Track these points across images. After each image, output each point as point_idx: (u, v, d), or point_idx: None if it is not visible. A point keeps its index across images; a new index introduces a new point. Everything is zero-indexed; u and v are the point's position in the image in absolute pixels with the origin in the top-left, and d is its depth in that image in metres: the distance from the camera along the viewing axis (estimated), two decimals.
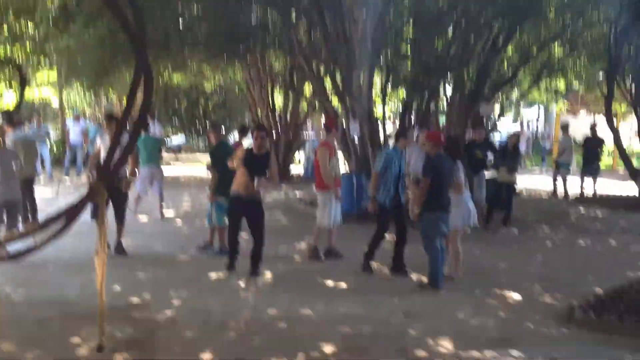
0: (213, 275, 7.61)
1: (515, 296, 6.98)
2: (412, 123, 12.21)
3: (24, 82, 14.62)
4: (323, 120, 17.12)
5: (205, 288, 7.14)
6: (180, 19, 12.13)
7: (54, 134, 21.76)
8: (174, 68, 17.85)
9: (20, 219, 9.22)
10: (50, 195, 14.07)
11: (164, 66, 16.79)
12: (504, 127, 27.18)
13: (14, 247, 4.51)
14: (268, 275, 7.71)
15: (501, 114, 16.12)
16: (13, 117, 11.28)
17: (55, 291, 6.86)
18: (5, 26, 10.55)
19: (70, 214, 2.55)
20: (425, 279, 7.22)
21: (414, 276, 7.62)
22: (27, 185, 10.26)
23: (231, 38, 12.09)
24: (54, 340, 5.44)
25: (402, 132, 8.26)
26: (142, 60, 2.29)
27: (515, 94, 17.18)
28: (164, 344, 5.43)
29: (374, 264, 7.99)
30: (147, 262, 8.22)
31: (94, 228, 8.62)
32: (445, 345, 5.40)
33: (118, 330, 5.64)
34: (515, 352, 5.22)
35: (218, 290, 7.03)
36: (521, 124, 28.43)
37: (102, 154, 8.77)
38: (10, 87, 17.01)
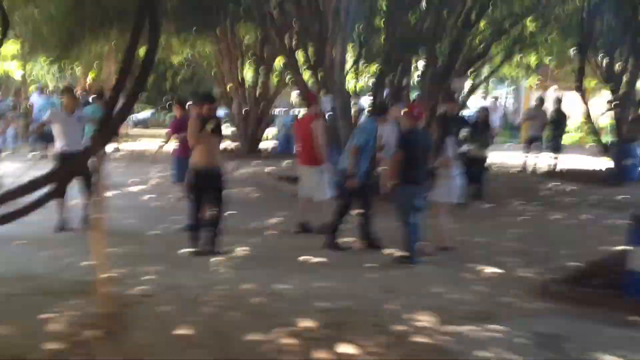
0: (183, 251, 7.44)
1: (491, 270, 6.97)
2: (386, 98, 12.10)
3: None
4: (296, 94, 16.93)
5: (176, 263, 6.99)
6: None
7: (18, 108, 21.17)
8: (140, 41, 17.40)
9: None
10: (15, 169, 13.71)
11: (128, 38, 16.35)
12: (475, 103, 27.27)
13: None
14: (241, 250, 7.58)
15: (472, 90, 16.06)
16: None
17: (21, 267, 6.69)
18: None
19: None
20: (400, 254, 7.16)
21: (390, 251, 7.56)
22: None
23: (200, 9, 11.80)
24: (21, 316, 5.27)
25: (384, 108, 8.12)
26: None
27: (487, 70, 17.16)
28: (138, 319, 5.28)
29: (348, 239, 7.91)
30: (117, 237, 8.01)
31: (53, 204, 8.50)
32: (424, 319, 5.35)
33: (91, 305, 5.47)
34: (494, 326, 5.18)
35: (190, 266, 6.90)
36: (495, 99, 28.53)
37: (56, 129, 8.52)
38: None
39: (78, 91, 23.67)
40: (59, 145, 8.53)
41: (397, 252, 7.27)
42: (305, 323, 5.25)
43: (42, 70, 29.31)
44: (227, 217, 9.31)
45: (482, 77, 17.51)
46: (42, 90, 19.21)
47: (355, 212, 7.87)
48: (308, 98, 9.48)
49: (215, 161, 7.33)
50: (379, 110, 8.16)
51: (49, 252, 7.30)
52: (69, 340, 4.80)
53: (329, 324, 5.25)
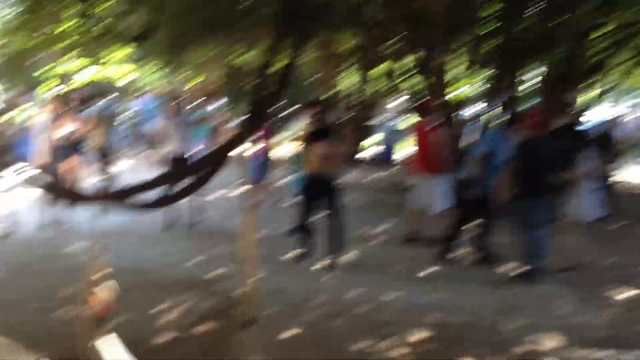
0: (290, 254, 7.31)
1: (627, 294, 6.34)
2: (503, 107, 11.57)
3: None
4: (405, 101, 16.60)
5: (282, 267, 6.90)
6: None
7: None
8: (240, 48, 17.62)
9: None
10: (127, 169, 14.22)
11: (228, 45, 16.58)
12: (598, 115, 25.95)
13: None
14: (349, 257, 7.37)
15: (594, 101, 15.17)
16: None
17: (136, 261, 6.85)
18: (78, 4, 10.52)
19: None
20: (521, 270, 6.68)
21: (509, 266, 7.10)
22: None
23: (302, 15, 11.71)
24: (140, 307, 5.35)
25: (516, 118, 7.65)
26: None
27: (611, 79, 16.16)
28: (242, 319, 5.18)
29: (462, 252, 7.53)
30: (223, 237, 8.03)
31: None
32: (550, 341, 4.92)
33: (199, 302, 5.55)
34: (628, 355, 4.70)
35: (295, 270, 6.79)
36: (619, 112, 27.01)
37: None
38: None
39: (186, 95, 24.44)
40: (167, 148, 8.70)
41: (515, 269, 6.80)
42: (417, 336, 4.98)
43: (153, 74, 30.52)
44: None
45: (605, 87, 16.50)
46: (149, 94, 19.85)
47: (472, 224, 7.49)
48: (427, 105, 9.07)
49: (327, 167, 7.15)
50: (510, 120, 7.62)
51: (161, 248, 7.48)
52: (184, 331, 4.93)
53: (443, 338, 4.96)
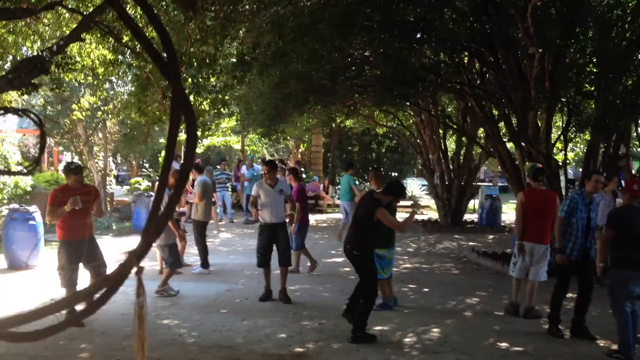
0: (376, 328, 7.25)
1: None
2: (599, 167, 11.16)
3: None
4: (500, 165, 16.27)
5: (369, 343, 6.80)
6: (349, 63, 12.21)
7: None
8: (346, 113, 18.11)
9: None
10: (230, 236, 14.76)
11: (335, 110, 17.11)
12: None
13: None
14: (435, 331, 7.23)
15: None
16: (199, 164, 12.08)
17: (222, 335, 6.96)
18: (189, 78, 11.27)
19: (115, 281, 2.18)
20: (614, 347, 6.34)
21: (603, 342, 6.75)
22: (201, 229, 10.81)
23: (400, 81, 11.92)
24: None
25: (586, 176, 7.48)
26: (178, 94, 1.95)
27: None
28: None
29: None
30: (315, 310, 8.12)
31: (259, 273, 8.87)
32: None
33: None
34: None
35: (381, 346, 6.68)
36: None
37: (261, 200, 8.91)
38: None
39: (291, 163, 25.31)
40: (262, 216, 8.90)
41: (612, 344, 6.44)
42: None
43: (258, 143, 31.82)
44: (423, 295, 9.12)
45: None
46: (252, 161, 20.62)
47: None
48: (542, 171, 8.63)
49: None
50: (582, 179, 7.46)
51: (250, 321, 7.55)
52: None
53: None
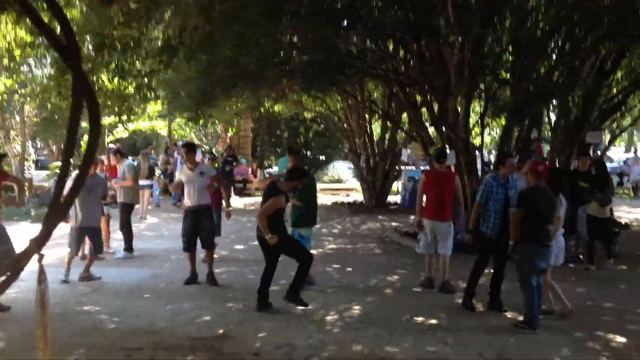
0: (300, 308, 7.42)
1: (621, 340, 6.37)
2: (512, 151, 11.70)
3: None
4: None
5: (291, 320, 7.01)
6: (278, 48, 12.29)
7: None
8: (274, 98, 18.20)
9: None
10: (157, 221, 14.66)
11: (264, 95, 17.16)
12: (616, 156, 25.71)
13: None
14: (356, 309, 7.50)
15: (611, 142, 15.17)
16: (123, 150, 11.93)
17: (147, 320, 6.94)
18: (113, 62, 11.08)
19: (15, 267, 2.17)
20: (521, 318, 6.76)
21: (510, 314, 7.18)
22: (129, 212, 10.76)
23: (328, 67, 12.10)
24: None
25: (500, 160, 7.89)
26: (80, 81, 1.97)
27: (626, 120, 16.16)
28: None
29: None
30: (239, 292, 8.24)
31: (185, 257, 8.92)
32: None
33: None
34: None
35: (304, 324, 6.88)
36: (636, 151, 26.87)
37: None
38: (119, 119, 18.01)
39: (220, 147, 25.20)
40: (185, 201, 8.89)
41: (519, 316, 6.86)
42: None
43: (186, 128, 31.47)
44: (346, 275, 9.39)
45: (622, 129, 16.49)
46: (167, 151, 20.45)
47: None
48: (444, 153, 9.30)
49: None
50: (496, 163, 7.90)
51: (174, 305, 7.56)
52: None
53: None
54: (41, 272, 2.06)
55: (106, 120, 22.59)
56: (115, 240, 11.34)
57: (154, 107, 22.46)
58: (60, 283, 8.44)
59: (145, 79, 12.65)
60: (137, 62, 11.41)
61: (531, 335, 6.45)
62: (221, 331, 6.58)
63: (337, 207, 18.82)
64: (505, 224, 7.30)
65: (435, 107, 12.63)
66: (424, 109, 14.03)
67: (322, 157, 29.88)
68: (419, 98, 14.09)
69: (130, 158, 12.80)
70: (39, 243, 2.02)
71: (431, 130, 13.83)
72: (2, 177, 7.78)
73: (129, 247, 10.61)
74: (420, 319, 7.10)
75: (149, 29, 11.03)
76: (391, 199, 19.94)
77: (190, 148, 9.13)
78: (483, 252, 7.58)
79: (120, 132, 24.86)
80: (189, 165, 8.82)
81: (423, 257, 8.72)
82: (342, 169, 30.81)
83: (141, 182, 15.88)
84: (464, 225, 8.79)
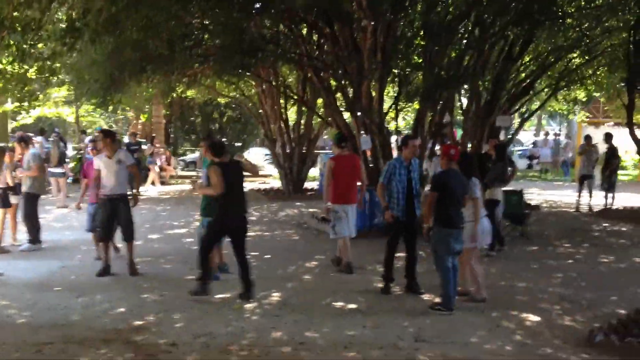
0: (218, 296, 7.33)
1: (533, 318, 6.61)
2: (420, 133, 11.90)
3: None
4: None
5: (209, 310, 6.88)
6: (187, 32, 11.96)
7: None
8: (187, 83, 17.76)
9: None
10: (66, 211, 14.05)
11: (175, 80, 16.72)
12: (526, 139, 26.78)
13: None
14: (275, 296, 7.44)
15: (520, 126, 15.74)
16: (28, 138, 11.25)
17: (58, 314, 6.69)
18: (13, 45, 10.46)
19: None
20: (437, 300, 6.90)
21: (427, 296, 7.31)
22: (34, 202, 10.26)
23: (240, 50, 11.90)
24: None
25: (403, 142, 7.99)
26: None
27: (534, 105, 16.82)
28: None
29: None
30: (155, 282, 8.03)
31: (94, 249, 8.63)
32: None
33: (118, 355, 5.45)
34: None
35: (222, 313, 6.77)
36: (546, 134, 27.99)
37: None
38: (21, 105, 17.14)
39: (130, 133, 24.45)
40: (103, 188, 8.55)
41: (435, 299, 7.00)
42: None
43: (95, 114, 30.35)
44: (265, 262, 9.32)
45: (530, 113, 17.16)
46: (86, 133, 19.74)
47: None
48: (344, 137, 9.43)
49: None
50: (399, 145, 8.04)
51: (87, 298, 7.29)
52: None
53: None
54: None
55: (8, 106, 21.50)
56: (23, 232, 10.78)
57: (59, 93, 21.49)
58: None
59: (48, 62, 12.03)
60: (38, 44, 10.82)
61: (447, 316, 6.59)
62: (137, 322, 6.39)
63: (254, 194, 18.67)
64: (411, 204, 7.45)
65: (350, 91, 12.67)
66: (338, 94, 14.08)
67: (238, 144, 29.52)
68: (333, 83, 14.11)
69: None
70: None
71: (346, 115, 13.87)
72: None
73: (34, 239, 10.12)
74: (339, 303, 7.14)
75: (51, 10, 10.45)
76: (308, 185, 19.96)
77: (107, 134, 8.81)
78: (393, 232, 7.69)
79: (24, 119, 23.73)
80: (107, 153, 8.51)
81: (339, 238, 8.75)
82: (258, 156, 30.56)
83: (53, 169, 15.25)
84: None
